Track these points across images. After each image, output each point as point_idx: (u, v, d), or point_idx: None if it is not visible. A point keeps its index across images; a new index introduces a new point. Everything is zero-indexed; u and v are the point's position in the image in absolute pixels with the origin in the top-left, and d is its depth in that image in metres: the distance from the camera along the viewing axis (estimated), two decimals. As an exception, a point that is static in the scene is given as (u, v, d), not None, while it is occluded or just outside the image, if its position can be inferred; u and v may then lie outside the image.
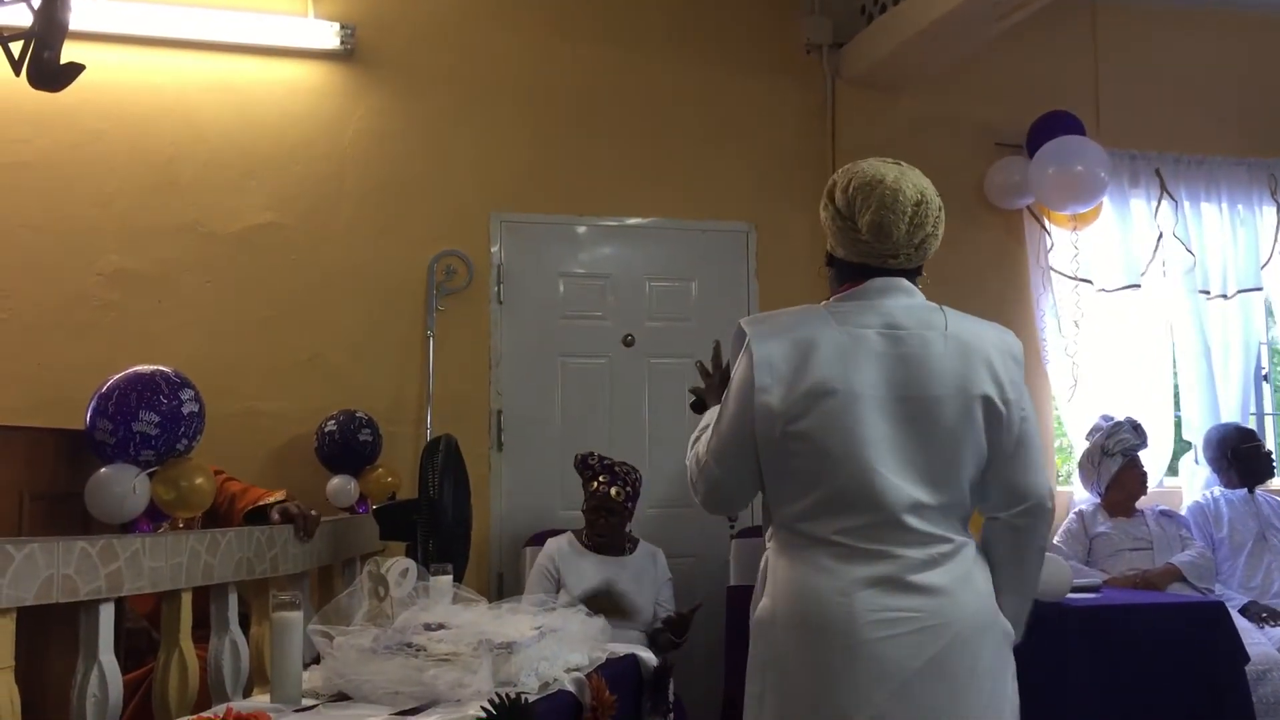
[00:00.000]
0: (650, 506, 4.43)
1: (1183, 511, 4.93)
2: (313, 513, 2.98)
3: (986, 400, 1.92)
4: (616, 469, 3.85)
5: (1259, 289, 5.34)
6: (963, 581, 1.90)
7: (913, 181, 1.98)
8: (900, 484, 1.87)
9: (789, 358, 1.92)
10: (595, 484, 3.82)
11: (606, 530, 3.85)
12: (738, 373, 1.98)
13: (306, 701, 2.10)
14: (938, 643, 1.85)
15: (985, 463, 1.94)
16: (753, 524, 4.34)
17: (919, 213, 1.96)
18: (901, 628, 1.84)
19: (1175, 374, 5.24)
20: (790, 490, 1.94)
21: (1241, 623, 3.99)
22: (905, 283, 2.00)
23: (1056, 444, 5.38)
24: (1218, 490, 4.89)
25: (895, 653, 1.83)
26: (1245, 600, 4.44)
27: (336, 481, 4.13)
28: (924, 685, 1.84)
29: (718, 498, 2.06)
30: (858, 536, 1.87)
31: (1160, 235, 5.19)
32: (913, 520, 1.87)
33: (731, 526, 4.33)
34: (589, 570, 3.81)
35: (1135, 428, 4.61)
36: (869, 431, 1.88)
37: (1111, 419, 4.67)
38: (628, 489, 3.84)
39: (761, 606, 1.97)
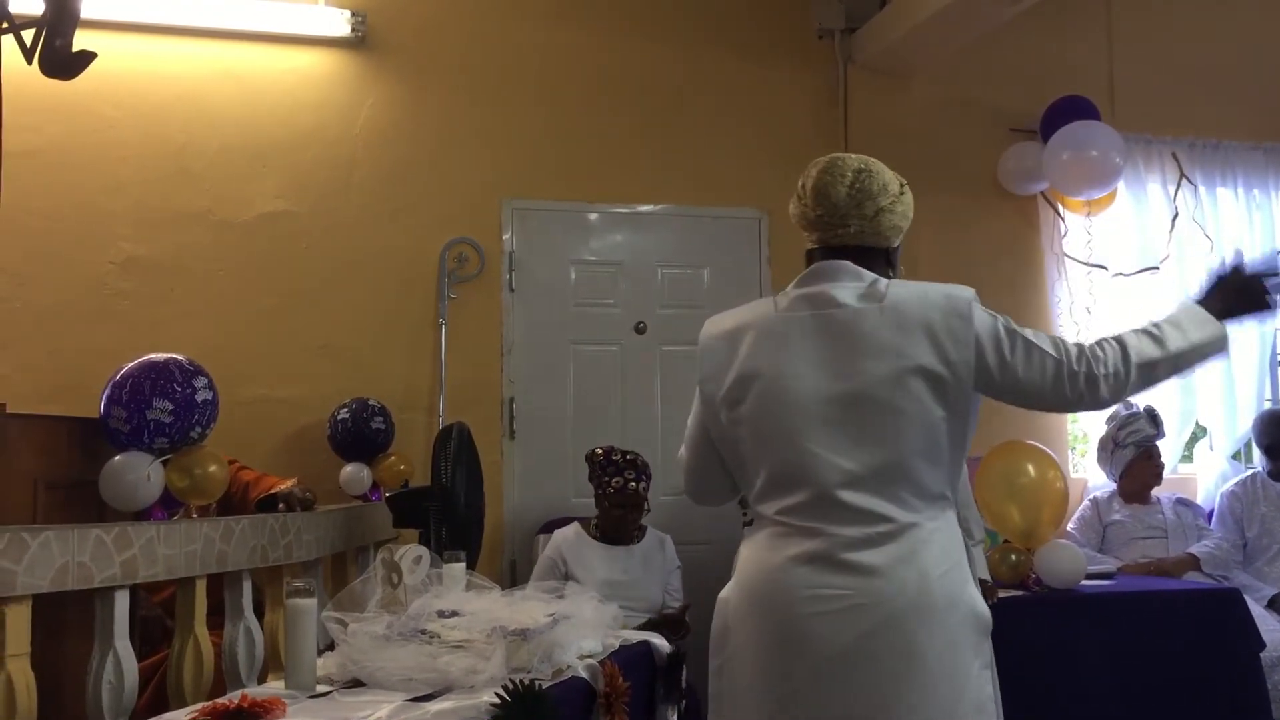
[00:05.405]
0: (663, 494, 4.42)
1: (1199, 499, 4.87)
2: (307, 495, 3.06)
3: (924, 371, 1.85)
4: (638, 462, 3.81)
5: (1275, 275, 5.28)
6: (903, 562, 1.83)
7: (863, 158, 2.04)
8: (834, 462, 1.87)
9: (725, 347, 2.02)
10: (620, 479, 3.76)
11: (632, 523, 3.83)
12: None
13: (321, 688, 2.10)
14: (866, 622, 1.82)
15: (950, 433, 1.88)
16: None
17: (860, 179, 1.99)
18: (831, 605, 1.83)
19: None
20: (747, 475, 2.02)
21: (1258, 611, 3.94)
22: (850, 265, 1.97)
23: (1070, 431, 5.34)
24: (1260, 479, 4.66)
25: (822, 630, 1.84)
26: (1274, 591, 4.34)
27: (349, 469, 4.14)
28: (850, 665, 1.82)
29: (693, 485, 2.20)
30: (795, 514, 1.90)
31: (1176, 215, 5.15)
32: (848, 497, 1.86)
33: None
34: (597, 561, 3.79)
35: (1152, 418, 4.50)
36: (800, 412, 1.90)
37: (1132, 405, 4.55)
38: (644, 480, 3.82)
39: (726, 587, 2.04)
